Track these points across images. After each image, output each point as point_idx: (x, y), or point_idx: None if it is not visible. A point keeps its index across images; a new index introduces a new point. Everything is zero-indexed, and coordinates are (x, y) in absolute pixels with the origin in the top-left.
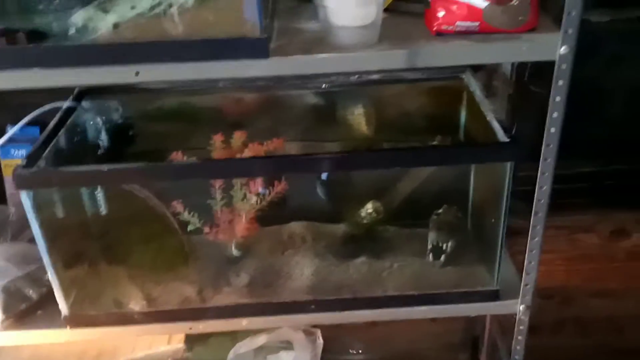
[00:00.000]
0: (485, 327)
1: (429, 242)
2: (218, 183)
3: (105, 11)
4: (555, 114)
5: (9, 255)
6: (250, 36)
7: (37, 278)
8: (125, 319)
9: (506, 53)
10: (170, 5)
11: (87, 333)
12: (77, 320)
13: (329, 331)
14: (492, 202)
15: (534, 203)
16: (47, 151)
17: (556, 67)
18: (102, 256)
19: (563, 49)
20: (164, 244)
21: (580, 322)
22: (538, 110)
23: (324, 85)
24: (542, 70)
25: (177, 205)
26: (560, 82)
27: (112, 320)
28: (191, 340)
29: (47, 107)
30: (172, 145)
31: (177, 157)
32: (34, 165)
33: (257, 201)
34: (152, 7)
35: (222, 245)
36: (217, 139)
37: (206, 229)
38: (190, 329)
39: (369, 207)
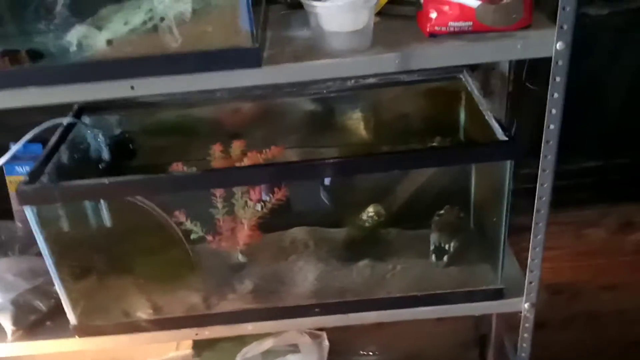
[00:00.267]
0: (492, 325)
1: (431, 243)
2: (219, 192)
3: (99, 28)
4: (553, 111)
5: (18, 270)
6: (242, 46)
7: (45, 290)
8: (133, 327)
9: (501, 51)
10: (162, 20)
11: (95, 342)
12: (85, 329)
13: (335, 334)
14: (493, 201)
15: (536, 200)
16: (49, 167)
17: (553, 63)
18: (108, 267)
19: (559, 45)
20: (169, 254)
21: (590, 316)
22: (537, 107)
23: (325, 91)
24: (540, 68)
25: (180, 215)
26: (558, 79)
27: (120, 329)
28: (199, 346)
29: (47, 124)
30: (172, 157)
31: (177, 168)
32: (37, 181)
33: (258, 208)
34: (145, 22)
35: (226, 253)
36: (216, 149)
37: (209, 238)
38: (197, 335)
39: (370, 211)
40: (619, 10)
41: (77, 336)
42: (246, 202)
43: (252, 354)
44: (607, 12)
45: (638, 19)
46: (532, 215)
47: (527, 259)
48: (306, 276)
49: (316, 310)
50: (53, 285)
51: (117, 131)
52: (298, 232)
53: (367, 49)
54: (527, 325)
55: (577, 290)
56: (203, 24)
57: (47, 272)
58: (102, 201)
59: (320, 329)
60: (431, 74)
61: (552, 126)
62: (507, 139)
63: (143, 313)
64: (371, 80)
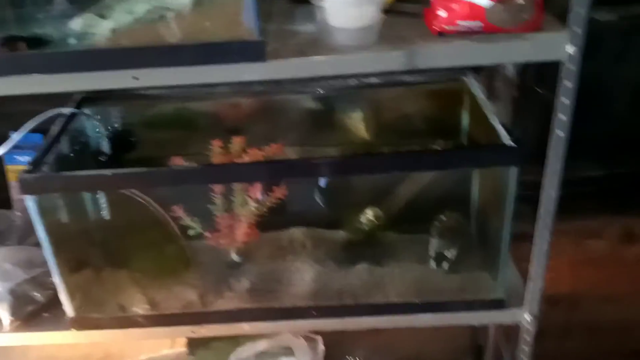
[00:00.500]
0: (489, 335)
1: (431, 249)
2: (218, 188)
3: (103, 17)
4: (562, 117)
5: (16, 259)
6: (246, 39)
7: (43, 281)
8: (129, 322)
9: (510, 53)
10: (167, 10)
11: (91, 335)
12: (81, 322)
13: (330, 338)
14: (496, 208)
15: (540, 210)
16: (50, 157)
17: (564, 67)
18: (106, 260)
19: (571, 49)
20: (166, 249)
21: (589, 327)
22: (542, 112)
23: (327, 89)
24: (548, 72)
25: (178, 210)
26: (568, 84)
27: (116, 323)
28: (193, 344)
29: (49, 114)
30: (172, 151)
31: (177, 162)
32: (38, 170)
33: (257, 205)
34: (149, 12)
35: (224, 251)
36: (216, 144)
37: (207, 234)
38: (193, 332)
39: (368, 214)
40: (628, 15)
41: (73, 329)
42: (245, 199)
43: (246, 355)
44: (616, 17)
45: None
46: (533, 222)
47: (527, 268)
48: (303, 277)
49: (313, 312)
50: (51, 276)
51: (118, 123)
52: (296, 233)
53: (373, 46)
54: (526, 337)
55: (576, 300)
56: (208, 16)
57: (45, 263)
58: (100, 194)
59: (316, 333)
60: (435, 76)
61: (560, 133)
62: (513, 143)
63: (139, 308)
64: (374, 80)
